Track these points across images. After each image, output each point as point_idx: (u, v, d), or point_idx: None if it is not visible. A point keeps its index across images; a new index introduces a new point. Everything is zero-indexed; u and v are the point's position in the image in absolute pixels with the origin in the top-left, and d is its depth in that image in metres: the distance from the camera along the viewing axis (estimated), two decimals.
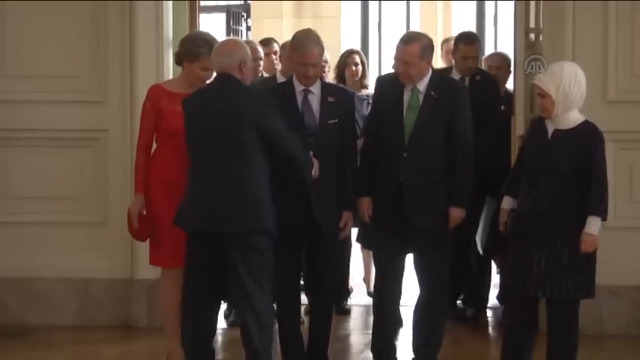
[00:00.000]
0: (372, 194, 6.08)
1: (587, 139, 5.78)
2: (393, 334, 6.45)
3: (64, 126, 7.50)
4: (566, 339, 5.85)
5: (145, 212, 6.19)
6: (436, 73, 6.21)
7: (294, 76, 6.01)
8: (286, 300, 6.11)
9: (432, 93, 5.96)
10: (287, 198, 5.85)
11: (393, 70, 6.30)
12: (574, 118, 5.80)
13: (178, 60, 6.30)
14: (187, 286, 5.85)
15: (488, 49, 13.91)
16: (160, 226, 6.17)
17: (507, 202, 6.01)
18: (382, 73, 8.98)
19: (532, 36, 7.33)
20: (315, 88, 6.01)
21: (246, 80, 5.78)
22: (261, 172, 5.67)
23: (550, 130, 5.81)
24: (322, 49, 5.99)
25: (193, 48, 6.21)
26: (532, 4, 7.38)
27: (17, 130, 7.58)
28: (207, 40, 6.28)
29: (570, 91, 5.72)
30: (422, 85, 5.98)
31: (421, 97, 5.98)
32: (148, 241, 6.28)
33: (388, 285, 6.19)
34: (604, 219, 5.83)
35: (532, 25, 7.38)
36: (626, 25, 7.19)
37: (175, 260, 6.11)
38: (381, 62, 15.78)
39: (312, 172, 5.83)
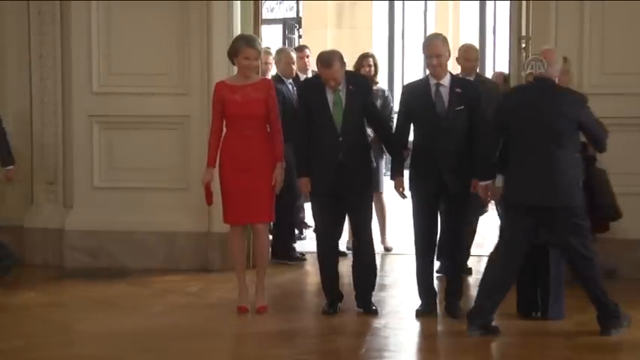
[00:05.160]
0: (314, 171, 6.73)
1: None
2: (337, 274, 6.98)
3: (156, 112, 8.34)
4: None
5: (212, 183, 6.73)
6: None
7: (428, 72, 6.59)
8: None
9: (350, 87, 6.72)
10: (425, 169, 6.58)
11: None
12: None
13: (231, 60, 6.95)
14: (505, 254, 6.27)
15: (489, 49, 14.68)
16: (229, 192, 6.77)
17: (500, 180, 6.53)
18: (406, 71, 9.48)
19: (523, 42, 8.26)
20: (445, 81, 6.61)
21: (561, 83, 6.39)
22: (575, 157, 6.20)
23: None
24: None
25: (234, 44, 6.83)
26: (523, 16, 8.25)
27: (120, 115, 8.46)
28: (241, 37, 6.97)
29: None
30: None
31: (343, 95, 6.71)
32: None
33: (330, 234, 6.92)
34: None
35: (523, 33, 8.30)
36: (597, 37, 8.08)
37: (241, 219, 6.86)
38: (404, 63, 16.21)
39: None
